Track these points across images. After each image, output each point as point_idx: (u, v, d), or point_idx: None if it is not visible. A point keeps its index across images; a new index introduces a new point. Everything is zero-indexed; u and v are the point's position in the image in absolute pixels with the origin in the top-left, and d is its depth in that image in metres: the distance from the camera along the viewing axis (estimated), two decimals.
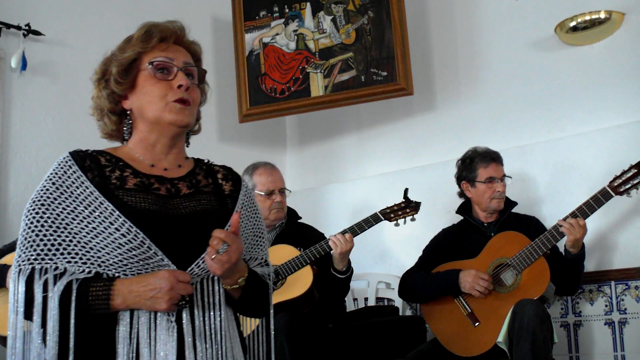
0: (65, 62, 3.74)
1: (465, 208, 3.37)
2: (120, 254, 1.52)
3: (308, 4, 4.16)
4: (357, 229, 3.17)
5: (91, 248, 1.52)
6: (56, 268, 1.50)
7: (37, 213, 1.54)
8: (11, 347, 1.51)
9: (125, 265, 1.53)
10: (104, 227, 1.52)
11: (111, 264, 1.53)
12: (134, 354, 1.49)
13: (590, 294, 3.37)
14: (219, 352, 1.55)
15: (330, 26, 4.11)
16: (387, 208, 3.25)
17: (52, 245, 1.51)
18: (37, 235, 1.52)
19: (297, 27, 4.17)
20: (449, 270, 3.16)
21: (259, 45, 4.22)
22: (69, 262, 1.51)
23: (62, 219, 1.53)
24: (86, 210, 1.54)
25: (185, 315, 1.54)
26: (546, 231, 3.03)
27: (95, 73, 1.72)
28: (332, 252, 3.13)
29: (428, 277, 3.20)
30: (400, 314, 3.68)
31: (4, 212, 3.43)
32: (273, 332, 1.74)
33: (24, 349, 1.50)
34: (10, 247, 2.81)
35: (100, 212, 1.53)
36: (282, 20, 4.20)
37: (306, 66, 4.12)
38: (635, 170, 2.93)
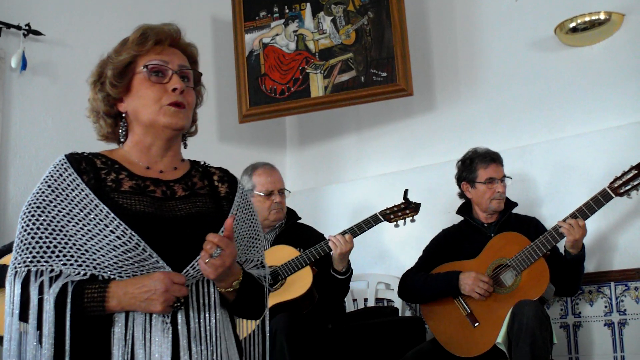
0: (65, 62, 3.74)
1: (465, 209, 3.37)
2: (116, 256, 1.52)
3: (308, 4, 4.16)
4: (356, 229, 3.17)
5: (86, 250, 1.53)
6: (52, 270, 1.51)
7: (32, 216, 1.54)
8: (7, 349, 1.52)
9: (121, 267, 1.53)
10: (99, 230, 1.53)
11: (106, 266, 1.53)
12: (129, 356, 1.49)
13: (590, 295, 3.36)
14: (214, 353, 1.55)
15: (330, 27, 4.11)
16: (387, 209, 3.25)
17: (48, 247, 1.52)
18: (32, 237, 1.52)
19: (297, 28, 4.17)
20: (449, 272, 3.16)
21: (259, 46, 4.22)
22: (64, 264, 1.52)
23: (58, 222, 1.54)
24: (81, 213, 1.54)
25: (180, 317, 1.54)
26: (546, 232, 3.03)
27: (91, 75, 1.72)
28: (331, 252, 3.13)
29: (428, 278, 3.20)
30: (400, 314, 3.68)
31: (3, 212, 3.44)
32: (270, 334, 1.74)
33: (20, 351, 1.51)
34: (10, 248, 2.81)
35: (96, 215, 1.54)
36: (282, 20, 4.20)
37: (306, 67, 4.12)
38: (636, 172, 2.93)
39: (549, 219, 3.33)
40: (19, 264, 1.52)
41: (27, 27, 3.57)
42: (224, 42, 4.42)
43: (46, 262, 1.51)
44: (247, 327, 1.79)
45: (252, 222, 1.75)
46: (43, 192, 1.57)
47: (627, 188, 2.93)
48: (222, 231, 1.56)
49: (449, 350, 3.07)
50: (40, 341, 1.48)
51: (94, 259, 1.53)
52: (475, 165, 3.26)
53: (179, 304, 1.52)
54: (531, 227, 3.20)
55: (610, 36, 3.49)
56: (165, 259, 1.55)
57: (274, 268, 3.09)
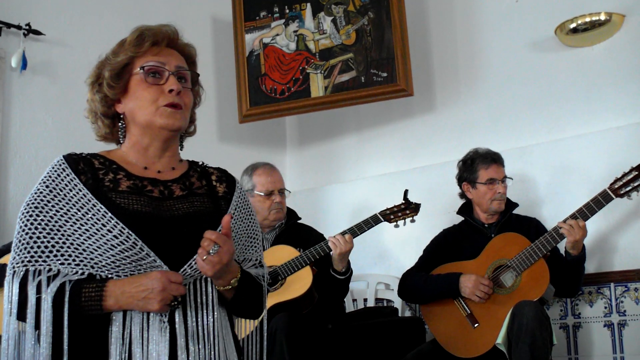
0: (65, 62, 3.74)
1: (466, 209, 3.37)
2: (113, 256, 1.53)
3: (308, 4, 4.16)
4: (356, 229, 3.17)
5: (84, 250, 1.53)
6: (49, 270, 1.52)
7: (30, 216, 1.55)
8: (5, 348, 1.52)
9: (118, 266, 1.54)
10: (97, 229, 1.53)
11: (104, 266, 1.54)
12: (127, 354, 1.50)
13: (590, 295, 3.36)
14: (212, 352, 1.55)
15: (330, 27, 4.11)
16: (387, 209, 3.25)
17: (46, 247, 1.53)
18: (30, 237, 1.53)
19: (298, 28, 4.17)
20: (449, 273, 3.15)
21: (259, 46, 4.22)
22: (62, 263, 1.52)
23: (56, 222, 1.54)
24: (79, 213, 1.55)
25: (177, 316, 1.54)
26: (546, 233, 3.03)
27: (89, 76, 1.73)
28: (331, 252, 3.13)
29: (428, 279, 3.20)
30: (400, 315, 3.68)
31: (3, 212, 3.44)
32: (269, 334, 1.74)
33: (18, 350, 1.51)
34: (9, 247, 2.81)
35: (93, 214, 1.54)
36: (283, 20, 4.20)
37: (306, 67, 4.12)
38: (636, 173, 2.92)
39: (549, 220, 3.33)
40: (17, 263, 1.53)
41: (27, 27, 3.57)
42: (224, 42, 4.42)
43: (44, 261, 1.52)
44: (246, 327, 1.79)
45: (250, 222, 1.76)
46: (41, 193, 1.58)
47: (627, 189, 2.93)
48: (220, 229, 1.57)
49: (449, 351, 3.07)
50: (38, 340, 1.48)
51: (92, 258, 1.53)
52: (477, 165, 3.26)
53: (176, 302, 1.53)
54: (531, 227, 3.20)
55: (611, 37, 3.49)
56: (163, 258, 1.55)
57: (274, 268, 3.09)
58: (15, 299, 1.50)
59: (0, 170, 3.46)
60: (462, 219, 3.38)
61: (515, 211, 3.31)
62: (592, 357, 3.32)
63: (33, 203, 1.57)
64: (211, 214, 1.67)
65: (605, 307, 3.32)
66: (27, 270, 1.51)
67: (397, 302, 3.74)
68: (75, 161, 1.63)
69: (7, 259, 2.71)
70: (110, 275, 1.54)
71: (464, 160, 3.34)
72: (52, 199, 1.56)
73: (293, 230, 3.38)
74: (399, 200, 3.27)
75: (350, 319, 3.41)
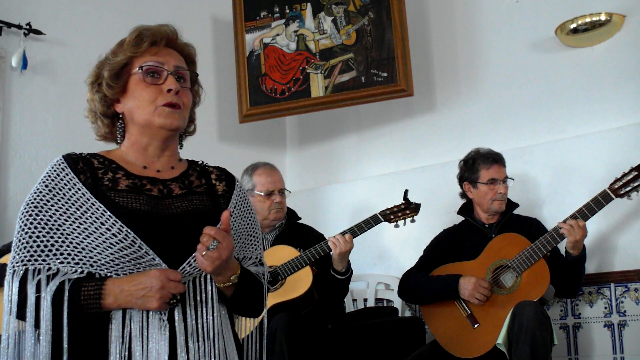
0: (66, 62, 3.74)
1: (466, 209, 3.37)
2: (112, 254, 1.53)
3: (309, 4, 4.16)
4: (356, 230, 3.17)
5: (83, 248, 1.54)
6: (49, 269, 1.52)
7: (30, 215, 1.56)
8: (4, 347, 1.53)
9: (117, 265, 1.54)
10: (96, 228, 1.54)
11: (103, 264, 1.54)
12: (127, 353, 1.50)
13: (590, 296, 3.36)
14: (212, 350, 1.55)
15: (330, 27, 4.11)
16: (387, 209, 3.25)
17: (45, 246, 1.53)
18: (30, 236, 1.54)
19: (298, 28, 4.17)
20: (449, 275, 3.15)
21: (260, 46, 4.22)
22: (61, 262, 1.53)
23: (55, 221, 1.55)
24: (78, 212, 1.55)
25: (177, 314, 1.55)
26: (546, 233, 3.03)
27: (89, 76, 1.74)
28: (331, 252, 3.13)
29: (428, 280, 3.20)
30: (400, 315, 3.68)
31: (3, 212, 3.44)
32: (270, 333, 1.74)
33: (18, 349, 1.52)
34: (9, 247, 2.81)
35: (92, 213, 1.55)
36: (283, 20, 4.20)
37: (306, 67, 4.12)
38: (636, 173, 2.92)
39: (549, 220, 3.33)
40: (16, 262, 1.53)
41: (27, 27, 3.57)
42: (225, 42, 4.42)
43: (43, 260, 1.52)
44: (246, 326, 1.79)
45: (250, 220, 1.76)
46: (40, 192, 1.58)
47: (627, 189, 2.93)
48: (220, 226, 1.57)
49: (449, 351, 3.07)
50: (38, 339, 1.48)
51: (91, 257, 1.54)
52: (478, 165, 3.25)
53: (175, 300, 1.53)
54: (532, 228, 3.20)
55: (611, 37, 3.49)
56: (162, 256, 1.56)
57: (273, 268, 3.09)
58: (15, 298, 1.50)
59: (0, 170, 3.46)
60: (463, 219, 3.38)
61: (516, 211, 3.31)
62: (592, 357, 3.32)
63: (32, 203, 1.57)
64: (210, 212, 1.67)
65: (606, 308, 3.32)
66: (26, 270, 1.52)
67: (397, 303, 3.74)
68: (74, 161, 1.64)
69: (7, 258, 2.71)
70: (109, 274, 1.54)
71: (465, 160, 3.34)
72: (52, 199, 1.57)
73: (293, 230, 3.38)
74: (399, 200, 3.27)
75: (350, 319, 3.41)
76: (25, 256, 1.53)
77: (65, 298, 1.48)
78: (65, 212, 1.55)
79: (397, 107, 4.22)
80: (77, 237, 1.54)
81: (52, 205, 1.56)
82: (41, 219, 1.55)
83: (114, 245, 1.53)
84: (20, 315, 1.51)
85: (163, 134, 1.69)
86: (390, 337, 3.25)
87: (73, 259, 1.53)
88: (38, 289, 1.50)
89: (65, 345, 1.48)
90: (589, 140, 3.50)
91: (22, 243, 1.54)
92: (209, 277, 1.60)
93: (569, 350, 3.38)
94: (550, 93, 3.71)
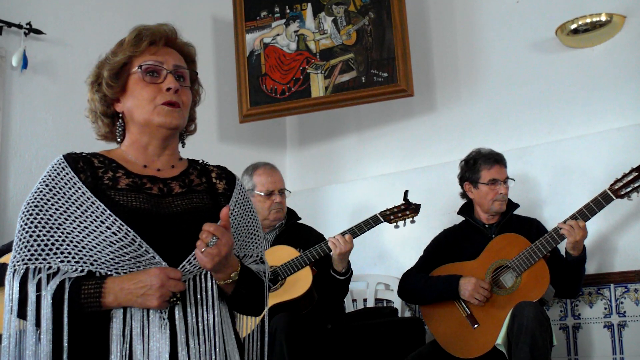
0: (66, 61, 3.74)
1: (466, 209, 3.37)
2: (112, 252, 1.54)
3: (309, 4, 4.16)
4: (356, 230, 3.17)
5: (83, 247, 1.54)
6: (49, 267, 1.53)
7: (30, 214, 1.56)
8: (6, 346, 1.53)
9: (117, 263, 1.55)
10: (96, 226, 1.54)
11: (103, 263, 1.54)
12: (127, 352, 1.50)
13: (590, 296, 3.36)
14: (213, 349, 1.56)
15: (331, 27, 4.11)
16: (387, 210, 3.25)
17: (46, 245, 1.54)
18: (30, 236, 1.54)
19: (298, 28, 4.17)
20: (449, 275, 3.15)
21: (260, 46, 4.22)
22: (62, 261, 1.53)
23: (55, 220, 1.55)
24: (78, 210, 1.56)
25: (177, 312, 1.55)
26: (546, 233, 3.03)
27: (89, 76, 1.75)
28: (331, 253, 3.13)
29: (428, 280, 3.20)
30: (399, 315, 3.68)
31: (3, 211, 3.44)
32: (270, 333, 1.74)
33: (20, 348, 1.52)
34: (9, 247, 2.81)
35: (92, 212, 1.55)
36: (283, 20, 4.20)
37: (307, 67, 4.12)
38: (636, 174, 2.92)
39: (549, 221, 3.33)
40: (17, 262, 1.54)
41: (28, 26, 3.57)
42: (225, 42, 4.42)
43: (44, 259, 1.53)
44: (247, 325, 1.79)
45: (250, 218, 1.76)
46: (41, 192, 1.59)
47: (627, 190, 2.93)
48: (219, 223, 1.57)
49: (449, 352, 3.07)
50: (39, 338, 1.49)
51: (91, 256, 1.54)
52: (479, 166, 3.25)
53: (175, 299, 1.53)
54: (532, 228, 3.20)
55: (611, 38, 3.49)
56: (162, 255, 1.56)
57: (273, 268, 3.09)
58: (15, 297, 1.50)
59: (1, 170, 3.46)
60: (463, 219, 3.38)
61: (516, 212, 3.31)
62: (592, 358, 3.32)
63: (33, 202, 1.58)
64: (210, 211, 1.67)
65: (605, 308, 3.32)
66: (27, 269, 1.52)
67: (397, 303, 3.74)
68: (74, 160, 1.65)
69: (7, 258, 2.71)
70: (109, 272, 1.54)
71: (466, 160, 3.34)
72: (52, 198, 1.57)
73: (293, 231, 3.37)
74: (399, 200, 3.27)
75: (350, 319, 3.41)
76: (25, 255, 1.53)
77: (66, 297, 1.49)
78: (65, 211, 1.56)
79: (397, 107, 4.22)
80: (77, 235, 1.54)
81: (52, 205, 1.56)
82: (42, 218, 1.55)
83: (114, 244, 1.53)
84: (21, 314, 1.51)
85: (162, 133, 1.70)
86: (390, 338, 3.25)
87: (73, 257, 1.53)
88: (39, 288, 1.50)
89: (65, 344, 1.48)
90: (589, 140, 3.50)
91: (23, 242, 1.55)
92: (209, 275, 1.60)
93: (569, 350, 3.38)
94: (550, 93, 3.71)
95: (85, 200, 1.57)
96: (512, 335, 2.81)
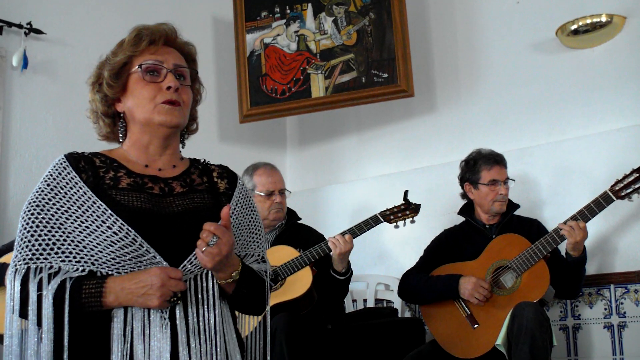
0: (66, 61, 3.74)
1: (467, 209, 3.37)
2: (113, 252, 1.54)
3: (309, 5, 4.16)
4: (356, 230, 3.17)
5: (84, 247, 1.55)
6: (51, 267, 1.53)
7: (32, 214, 1.56)
8: (8, 345, 1.53)
9: (118, 263, 1.55)
10: (97, 226, 1.54)
11: (104, 262, 1.55)
12: (128, 351, 1.51)
13: (590, 297, 3.36)
14: (213, 348, 1.56)
15: (331, 27, 4.11)
16: (387, 210, 3.25)
17: (47, 244, 1.54)
18: (32, 235, 1.55)
19: (298, 28, 4.17)
20: (450, 275, 3.15)
21: (260, 46, 4.22)
22: (63, 261, 1.53)
23: (57, 219, 1.56)
24: (79, 210, 1.56)
25: (178, 312, 1.55)
26: (546, 234, 3.03)
27: (90, 77, 1.75)
28: (331, 253, 3.13)
29: (428, 280, 3.20)
30: (399, 315, 3.68)
31: (3, 211, 3.44)
32: (272, 332, 1.74)
33: (21, 348, 1.53)
34: (10, 246, 2.81)
35: (93, 212, 1.56)
36: (284, 21, 4.20)
37: (307, 67, 4.12)
38: (637, 175, 2.92)
39: (550, 221, 3.33)
40: (19, 261, 1.54)
41: (28, 26, 3.57)
42: (225, 42, 4.42)
43: (45, 259, 1.53)
44: (248, 324, 1.79)
45: (252, 217, 1.76)
46: (42, 191, 1.59)
47: (628, 191, 2.93)
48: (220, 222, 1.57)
49: (449, 352, 3.07)
50: (40, 337, 1.49)
51: (92, 255, 1.54)
52: (479, 166, 3.25)
53: (175, 298, 1.54)
54: (533, 229, 3.20)
55: (612, 39, 3.49)
56: (163, 255, 1.56)
57: (273, 268, 3.09)
58: (17, 297, 1.51)
59: (1, 170, 3.46)
60: (463, 219, 3.38)
61: (516, 212, 3.31)
62: (592, 358, 3.32)
63: (34, 202, 1.58)
64: (211, 210, 1.67)
65: (605, 309, 3.31)
66: (28, 268, 1.53)
67: (397, 303, 3.74)
68: (76, 160, 1.65)
69: (7, 258, 2.71)
70: (110, 272, 1.55)
71: (466, 161, 3.34)
72: (53, 197, 1.58)
73: (293, 231, 3.37)
74: (399, 200, 3.27)
75: (350, 319, 3.41)
76: (27, 255, 1.54)
77: (67, 296, 1.49)
78: (66, 211, 1.56)
79: (397, 107, 4.22)
80: (78, 235, 1.55)
81: (53, 204, 1.57)
82: (43, 218, 1.55)
83: (115, 244, 1.53)
84: (23, 313, 1.51)
85: (163, 132, 1.70)
86: (390, 338, 3.25)
87: (74, 257, 1.54)
88: (40, 288, 1.50)
89: (65, 343, 1.48)
90: (589, 141, 3.50)
91: (24, 242, 1.55)
92: (210, 274, 1.60)
93: (569, 351, 3.38)
94: (550, 94, 3.71)
95: (86, 200, 1.57)
96: (512, 336, 2.81)
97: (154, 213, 1.61)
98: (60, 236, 1.54)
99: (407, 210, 3.26)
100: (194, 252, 1.56)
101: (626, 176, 2.94)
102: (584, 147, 3.51)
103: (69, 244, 1.54)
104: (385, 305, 3.91)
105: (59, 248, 1.54)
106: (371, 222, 3.21)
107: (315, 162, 4.65)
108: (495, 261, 3.10)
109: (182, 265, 1.57)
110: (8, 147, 3.50)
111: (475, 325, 3.04)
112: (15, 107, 3.55)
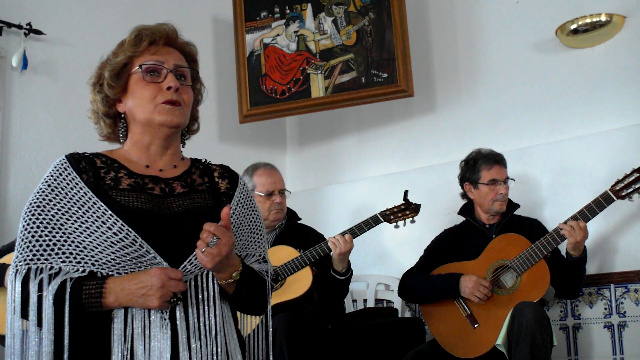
0: (66, 62, 3.74)
1: (467, 209, 3.37)
2: (113, 253, 1.54)
3: (309, 5, 4.16)
4: (356, 230, 3.17)
5: (85, 247, 1.55)
6: (51, 268, 1.53)
7: (33, 215, 1.57)
8: (9, 346, 1.54)
9: (119, 263, 1.55)
10: (97, 227, 1.55)
11: (105, 263, 1.55)
12: (129, 352, 1.51)
13: (590, 297, 3.36)
14: (214, 349, 1.55)
15: (331, 27, 4.11)
16: (387, 210, 3.25)
17: (48, 245, 1.54)
18: (32, 236, 1.55)
19: (298, 28, 4.17)
20: (450, 273, 3.15)
21: (260, 46, 4.22)
22: (63, 261, 1.54)
23: (57, 220, 1.56)
24: (80, 211, 1.56)
25: (178, 313, 1.55)
26: (547, 234, 3.03)
27: (91, 77, 1.75)
28: (331, 253, 3.13)
29: (429, 280, 3.20)
30: (400, 315, 3.67)
31: (3, 211, 3.43)
32: (272, 332, 1.74)
33: (22, 348, 1.53)
34: (10, 247, 2.81)
35: (94, 212, 1.56)
36: (283, 21, 4.20)
37: (307, 67, 4.12)
38: (638, 174, 2.92)
39: (550, 221, 3.33)
40: (19, 262, 1.55)
41: (28, 27, 3.57)
42: (225, 42, 4.42)
43: (46, 259, 1.53)
44: (249, 324, 1.79)
45: (253, 217, 1.76)
46: (43, 192, 1.59)
47: (628, 191, 2.93)
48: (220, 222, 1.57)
49: (449, 351, 3.07)
50: (41, 338, 1.49)
51: (92, 256, 1.55)
52: (479, 166, 3.25)
53: (175, 299, 1.54)
54: (533, 228, 3.20)
55: (611, 38, 3.49)
56: (163, 255, 1.56)
57: (274, 268, 3.08)
58: (17, 297, 1.51)
59: (1, 170, 3.46)
60: (463, 219, 3.38)
61: (517, 212, 3.31)
62: (592, 358, 3.32)
63: (35, 202, 1.58)
64: (212, 210, 1.67)
65: (605, 309, 3.32)
66: (29, 269, 1.53)
67: (397, 303, 3.74)
68: (77, 160, 1.65)
69: (7, 258, 2.71)
70: (110, 273, 1.55)
71: (466, 161, 3.34)
72: (54, 198, 1.58)
73: (293, 231, 3.37)
74: (399, 200, 3.27)
75: (350, 319, 3.41)
76: (27, 255, 1.54)
77: (67, 297, 1.49)
78: (67, 212, 1.56)
79: (397, 107, 4.22)
80: (79, 236, 1.55)
81: (54, 205, 1.57)
82: (43, 219, 1.56)
83: (115, 244, 1.53)
84: (24, 314, 1.52)
85: (164, 132, 1.70)
86: (390, 338, 3.25)
87: (75, 258, 1.54)
88: (40, 288, 1.50)
89: (66, 344, 1.48)
90: (589, 141, 3.50)
91: (25, 242, 1.55)
92: (210, 275, 1.60)
93: (569, 351, 3.38)
94: (550, 94, 3.71)
95: (87, 200, 1.57)
96: (512, 336, 2.81)
97: (155, 214, 1.61)
98: (61, 237, 1.54)
99: (407, 210, 3.26)
100: (194, 253, 1.56)
101: (626, 176, 2.94)
102: (584, 147, 3.51)
103: (70, 245, 1.54)
104: (385, 305, 3.91)
105: (59, 249, 1.54)
106: (371, 222, 3.21)
107: (315, 162, 4.65)
108: (496, 261, 3.10)
109: (182, 266, 1.57)
110: (8, 147, 3.50)
111: (476, 325, 3.04)
112: (15, 108, 3.55)
